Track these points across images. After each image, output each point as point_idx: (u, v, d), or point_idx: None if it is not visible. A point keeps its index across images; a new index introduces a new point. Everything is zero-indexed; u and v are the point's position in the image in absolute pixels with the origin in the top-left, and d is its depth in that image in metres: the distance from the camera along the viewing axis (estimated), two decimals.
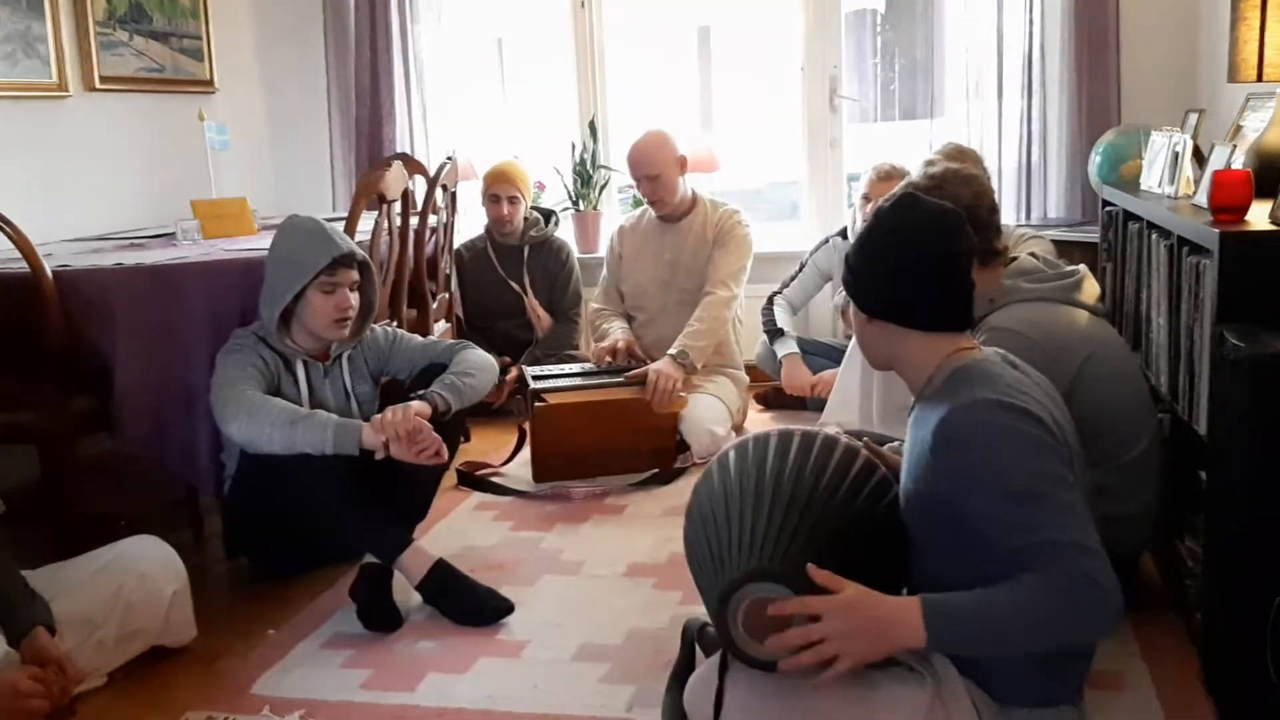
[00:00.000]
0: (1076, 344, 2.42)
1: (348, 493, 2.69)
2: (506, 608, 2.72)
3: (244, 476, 2.87)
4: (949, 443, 1.72)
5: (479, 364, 3.02)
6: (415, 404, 2.76)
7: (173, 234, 3.65)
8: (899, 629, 1.64)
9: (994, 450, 1.68)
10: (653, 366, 3.76)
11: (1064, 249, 3.47)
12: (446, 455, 2.78)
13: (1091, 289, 2.59)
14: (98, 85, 4.16)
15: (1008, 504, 1.64)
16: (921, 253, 1.83)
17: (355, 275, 2.87)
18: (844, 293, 1.98)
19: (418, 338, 3.18)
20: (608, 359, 3.97)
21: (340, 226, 3.01)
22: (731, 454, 2.00)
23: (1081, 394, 2.33)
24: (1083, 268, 2.61)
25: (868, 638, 1.65)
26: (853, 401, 3.07)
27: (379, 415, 2.72)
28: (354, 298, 2.87)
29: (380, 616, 2.70)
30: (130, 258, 3.16)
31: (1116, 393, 2.43)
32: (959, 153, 3.49)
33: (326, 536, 2.78)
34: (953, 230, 1.85)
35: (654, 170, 4.00)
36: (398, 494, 2.85)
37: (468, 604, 2.71)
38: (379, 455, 2.69)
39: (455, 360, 3.02)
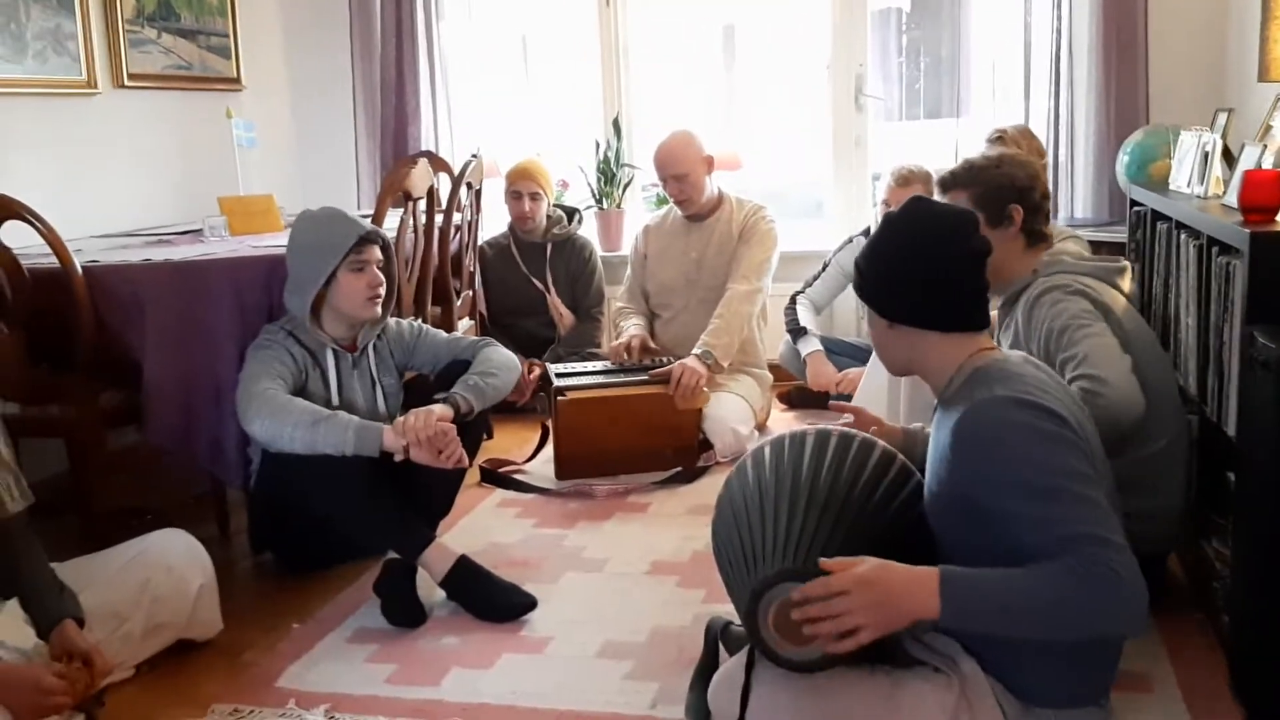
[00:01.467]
0: (1117, 317, 2.42)
1: (369, 490, 2.71)
2: (529, 603, 2.73)
3: (267, 473, 2.89)
4: (967, 441, 1.72)
5: (501, 362, 3.03)
6: (438, 408, 2.77)
7: (200, 230, 3.68)
8: (914, 599, 1.64)
9: (1011, 446, 1.68)
10: (678, 362, 3.76)
11: (1092, 249, 3.45)
12: (467, 461, 2.79)
13: (1129, 282, 2.59)
14: (126, 82, 4.19)
15: (1027, 500, 1.64)
16: (941, 254, 1.84)
17: (380, 255, 2.91)
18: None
19: (442, 333, 3.19)
20: (624, 355, 3.97)
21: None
22: (767, 450, 1.99)
23: None
24: (1125, 261, 2.62)
25: (887, 607, 1.65)
26: (880, 400, 3.06)
27: (401, 419, 2.74)
28: (381, 276, 2.90)
29: (404, 612, 2.71)
30: (158, 254, 3.19)
31: (1148, 378, 2.41)
32: (1029, 133, 3.66)
33: (349, 533, 2.80)
34: (968, 231, 1.87)
35: (681, 169, 4.00)
36: (421, 491, 2.86)
37: (491, 600, 2.72)
38: (399, 458, 2.71)
39: (478, 359, 3.02)
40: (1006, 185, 2.47)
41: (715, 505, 2.05)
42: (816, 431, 2.00)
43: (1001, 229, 2.48)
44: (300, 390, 2.83)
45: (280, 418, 2.69)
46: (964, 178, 2.51)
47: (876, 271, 1.91)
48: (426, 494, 2.90)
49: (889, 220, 1.92)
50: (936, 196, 2.58)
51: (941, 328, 1.86)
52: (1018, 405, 1.70)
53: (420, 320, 3.38)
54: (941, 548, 1.85)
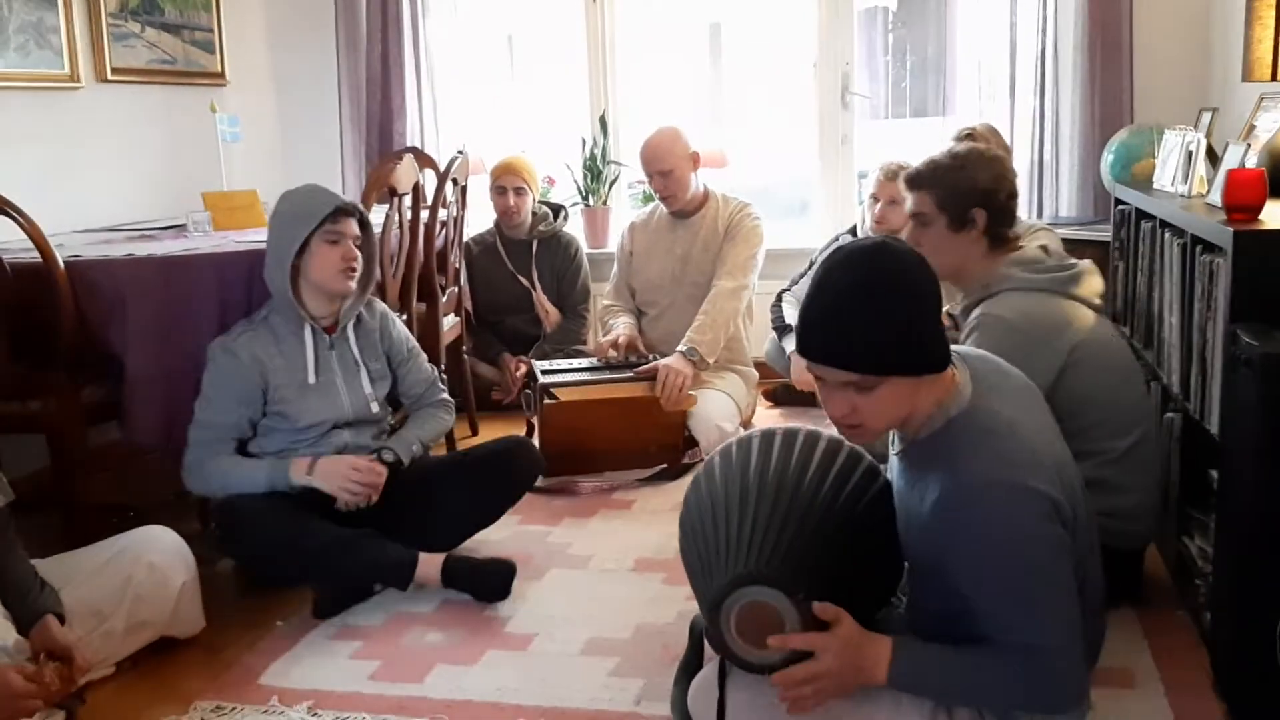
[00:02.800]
0: (1064, 334, 2.41)
1: (344, 545, 2.73)
2: (509, 569, 2.82)
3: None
4: (951, 523, 1.66)
5: (440, 434, 3.17)
6: (379, 466, 2.86)
7: (183, 225, 3.65)
8: (870, 670, 1.68)
9: (996, 543, 1.64)
10: (662, 362, 3.75)
11: (1075, 247, 3.46)
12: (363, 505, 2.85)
13: (1092, 285, 2.53)
14: (109, 76, 4.16)
15: (998, 596, 1.65)
16: (934, 283, 1.74)
17: (357, 230, 2.86)
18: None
19: (429, 367, 3.17)
20: (611, 353, 3.96)
21: None
22: (716, 460, 1.98)
23: (1069, 383, 2.35)
24: (1086, 262, 2.55)
25: (849, 676, 1.68)
26: None
27: (350, 462, 2.82)
28: (356, 251, 2.87)
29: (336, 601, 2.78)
30: (141, 249, 3.17)
31: (1106, 383, 2.43)
32: (996, 131, 3.65)
33: (339, 582, 2.83)
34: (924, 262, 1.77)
35: (666, 166, 4.00)
36: (429, 524, 2.93)
37: (482, 584, 2.79)
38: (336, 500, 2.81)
39: (431, 420, 3.11)
40: (969, 189, 2.44)
41: (679, 523, 2.03)
42: (762, 432, 1.97)
43: (964, 232, 2.46)
44: (262, 384, 2.82)
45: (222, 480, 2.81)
46: (928, 178, 2.47)
47: (890, 331, 1.65)
48: (434, 526, 2.95)
49: (875, 287, 1.65)
50: (903, 192, 2.56)
51: (944, 366, 1.73)
52: (1009, 494, 1.63)
53: (405, 318, 3.36)
54: (909, 568, 1.86)
